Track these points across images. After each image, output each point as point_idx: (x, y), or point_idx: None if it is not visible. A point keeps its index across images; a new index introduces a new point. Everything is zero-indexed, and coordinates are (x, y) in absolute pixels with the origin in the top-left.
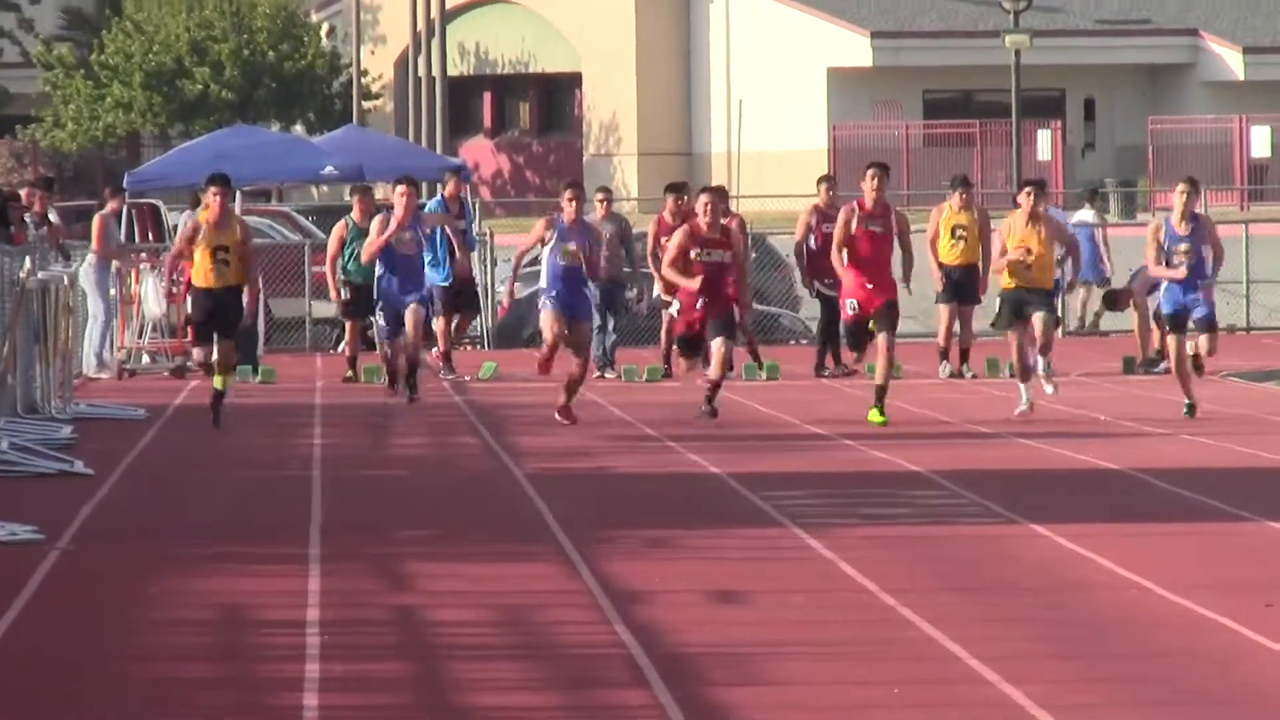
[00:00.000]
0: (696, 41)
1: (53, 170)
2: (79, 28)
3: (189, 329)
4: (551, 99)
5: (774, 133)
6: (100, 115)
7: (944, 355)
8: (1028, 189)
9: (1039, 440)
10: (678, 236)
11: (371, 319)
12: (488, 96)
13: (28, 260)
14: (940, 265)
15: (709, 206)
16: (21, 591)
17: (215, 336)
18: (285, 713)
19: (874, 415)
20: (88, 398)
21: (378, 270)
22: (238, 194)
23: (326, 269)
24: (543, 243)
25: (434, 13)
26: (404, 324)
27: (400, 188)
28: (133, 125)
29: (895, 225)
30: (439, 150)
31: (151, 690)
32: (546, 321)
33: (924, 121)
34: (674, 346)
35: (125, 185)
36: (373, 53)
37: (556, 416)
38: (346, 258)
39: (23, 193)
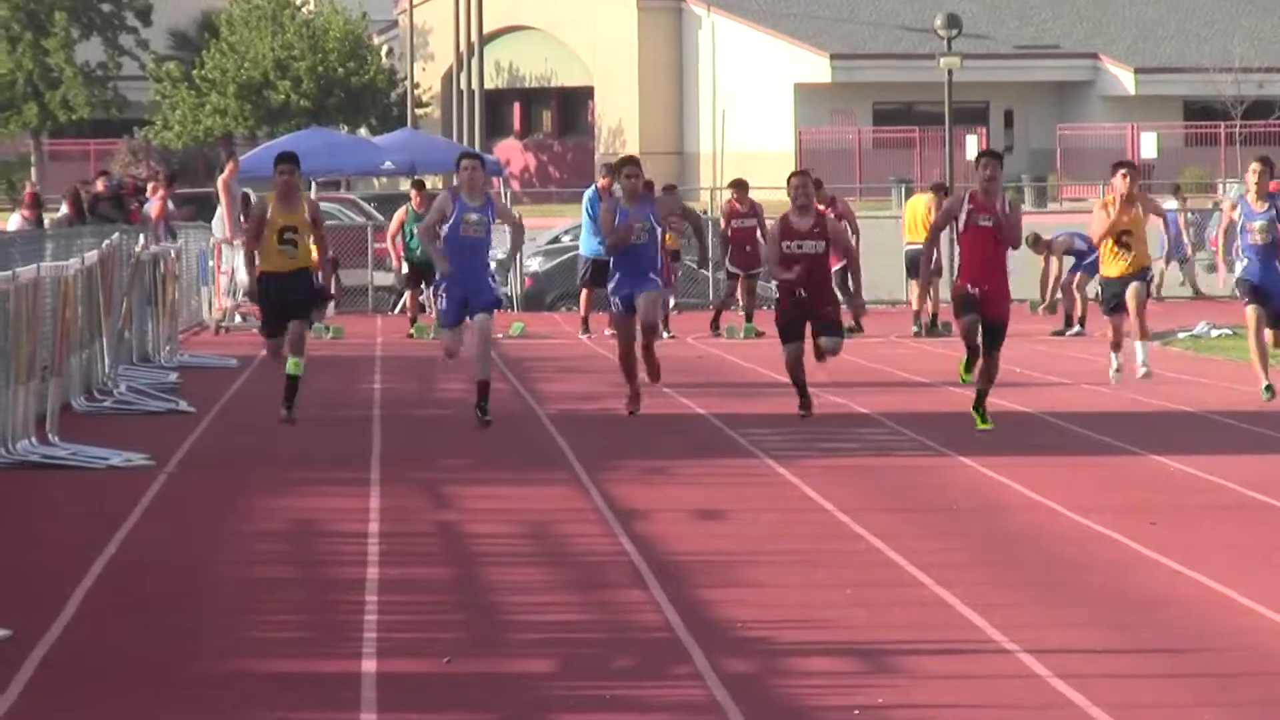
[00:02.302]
0: (688, 61)
1: (162, 165)
2: (184, 47)
3: (259, 316)
4: (569, 108)
5: (750, 136)
6: (201, 120)
7: (916, 318)
8: (1123, 170)
9: (966, 388)
10: (773, 231)
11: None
12: (517, 105)
13: (141, 237)
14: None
15: (799, 189)
16: (135, 508)
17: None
18: (350, 607)
19: (978, 420)
20: (190, 349)
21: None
22: (312, 184)
23: (388, 244)
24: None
25: (474, 37)
26: (465, 315)
27: (465, 161)
28: (227, 128)
29: (1006, 221)
30: (478, 149)
31: (241, 588)
32: (617, 328)
33: (873, 128)
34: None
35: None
36: (424, 69)
37: (624, 406)
38: (408, 236)
39: (157, 189)
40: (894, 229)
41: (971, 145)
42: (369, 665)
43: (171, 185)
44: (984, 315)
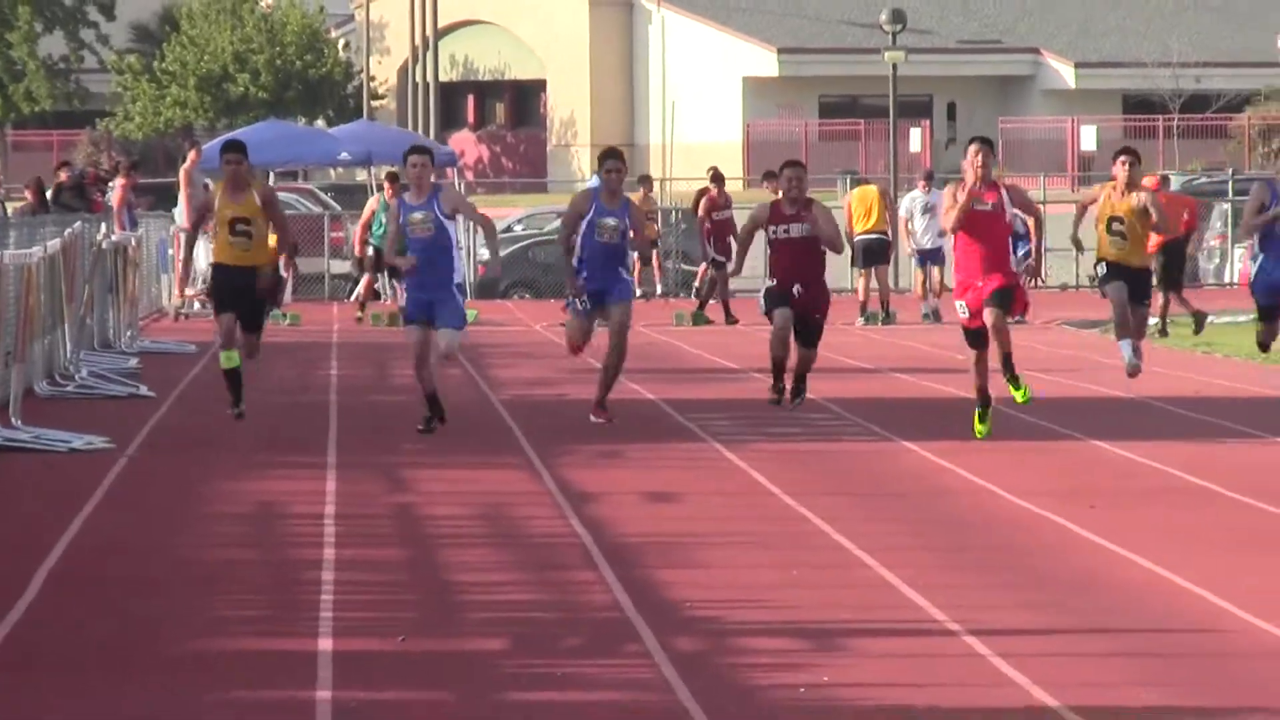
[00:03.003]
0: (638, 55)
1: (122, 155)
2: (144, 41)
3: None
4: (522, 100)
5: (700, 128)
6: (161, 111)
7: (863, 308)
8: (1123, 157)
9: (909, 375)
10: (757, 213)
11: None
12: (471, 98)
13: (103, 225)
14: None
15: (793, 182)
16: (97, 490)
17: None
18: (308, 587)
19: (1019, 394)
20: (150, 336)
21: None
22: (270, 174)
23: (356, 236)
24: (580, 218)
25: (429, 31)
26: (429, 315)
27: (413, 158)
28: (187, 119)
29: (1006, 201)
30: (432, 139)
31: (201, 569)
32: (570, 329)
33: (820, 121)
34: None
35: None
36: (380, 62)
37: (591, 417)
38: (375, 226)
39: (120, 179)
40: (840, 219)
41: (915, 138)
42: (325, 644)
43: (133, 175)
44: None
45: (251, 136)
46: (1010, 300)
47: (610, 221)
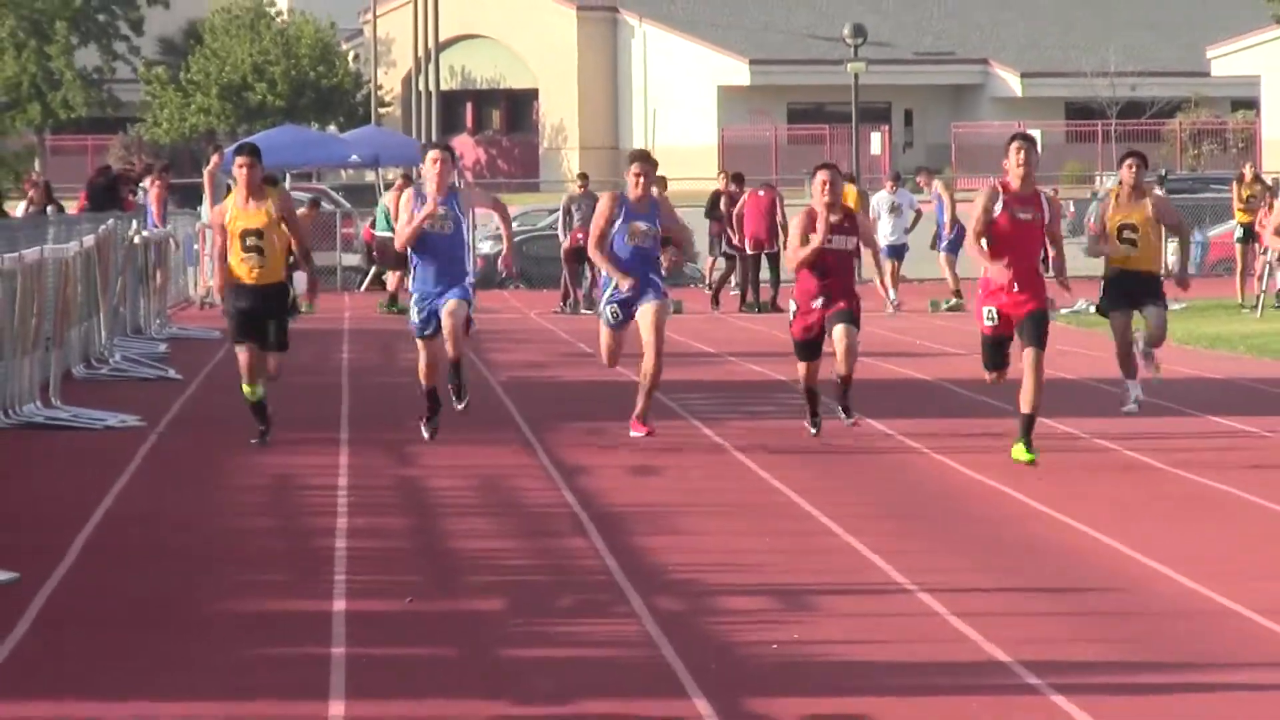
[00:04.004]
0: (622, 65)
1: (152, 158)
2: (171, 53)
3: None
4: (516, 108)
5: (678, 133)
6: (187, 118)
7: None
8: (1129, 161)
9: (871, 358)
10: (798, 220)
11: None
12: (469, 105)
13: (134, 222)
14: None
15: (827, 185)
16: (129, 464)
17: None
18: (322, 552)
19: (1019, 452)
20: (178, 323)
21: (413, 261)
22: (286, 176)
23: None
24: (610, 223)
25: (431, 44)
26: (439, 323)
27: (433, 153)
28: (210, 125)
29: (1047, 214)
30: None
31: (225, 536)
32: (605, 342)
33: (788, 126)
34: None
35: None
36: (386, 73)
37: (631, 431)
38: (383, 223)
39: (153, 180)
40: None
41: (876, 141)
42: (339, 605)
43: (165, 176)
44: (1020, 314)
45: (268, 141)
46: (1045, 333)
47: (641, 225)
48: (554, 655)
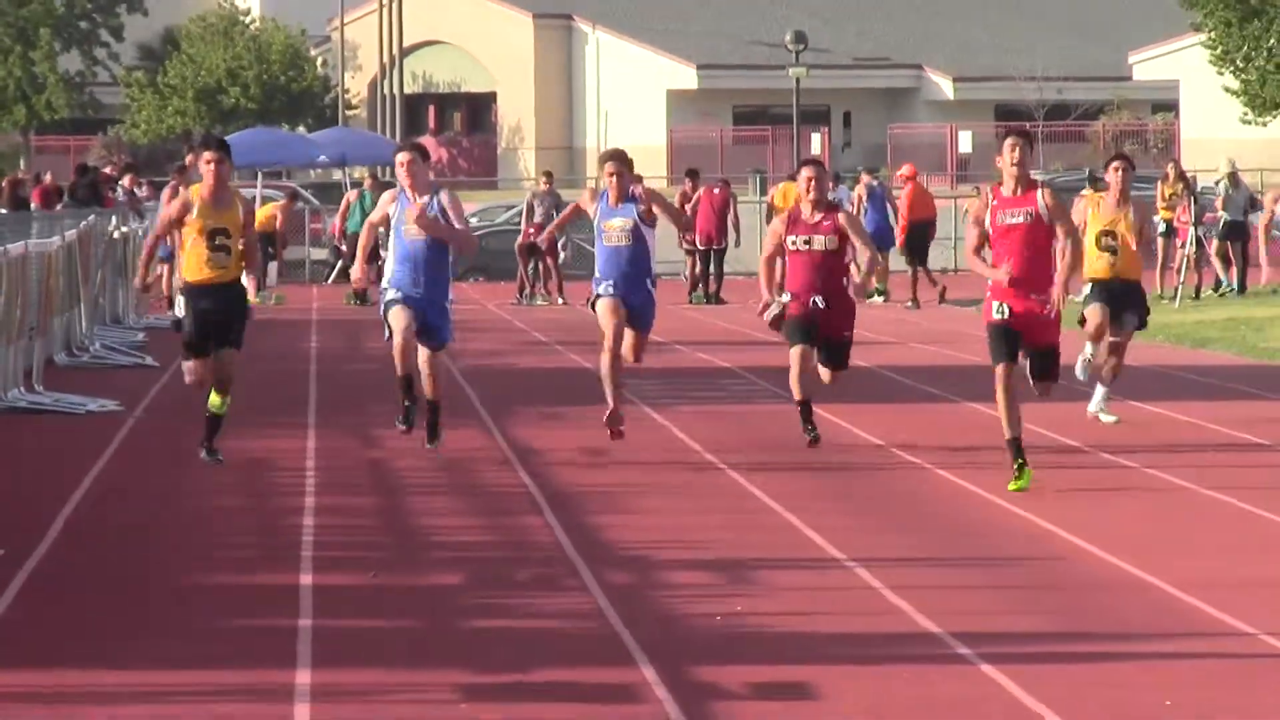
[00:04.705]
0: (576, 70)
1: (130, 157)
2: (149, 58)
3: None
4: (476, 110)
5: (629, 133)
6: (164, 120)
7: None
8: (1116, 164)
9: None
10: (777, 223)
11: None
12: (432, 108)
13: (113, 218)
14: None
15: (812, 182)
16: (109, 447)
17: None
18: (291, 530)
19: (1017, 483)
20: (155, 313)
21: (389, 266)
22: (258, 174)
23: (336, 222)
24: (578, 213)
25: (395, 50)
26: (413, 307)
27: (400, 155)
28: (186, 126)
29: (1047, 213)
30: (397, 142)
31: (199, 515)
32: (603, 313)
33: (733, 127)
34: (788, 335)
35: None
36: (353, 77)
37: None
38: (356, 219)
39: (127, 178)
40: (752, 210)
41: (816, 142)
42: (306, 579)
43: (134, 173)
44: (1030, 344)
45: (241, 141)
46: (1056, 368)
47: (616, 221)
48: (510, 626)
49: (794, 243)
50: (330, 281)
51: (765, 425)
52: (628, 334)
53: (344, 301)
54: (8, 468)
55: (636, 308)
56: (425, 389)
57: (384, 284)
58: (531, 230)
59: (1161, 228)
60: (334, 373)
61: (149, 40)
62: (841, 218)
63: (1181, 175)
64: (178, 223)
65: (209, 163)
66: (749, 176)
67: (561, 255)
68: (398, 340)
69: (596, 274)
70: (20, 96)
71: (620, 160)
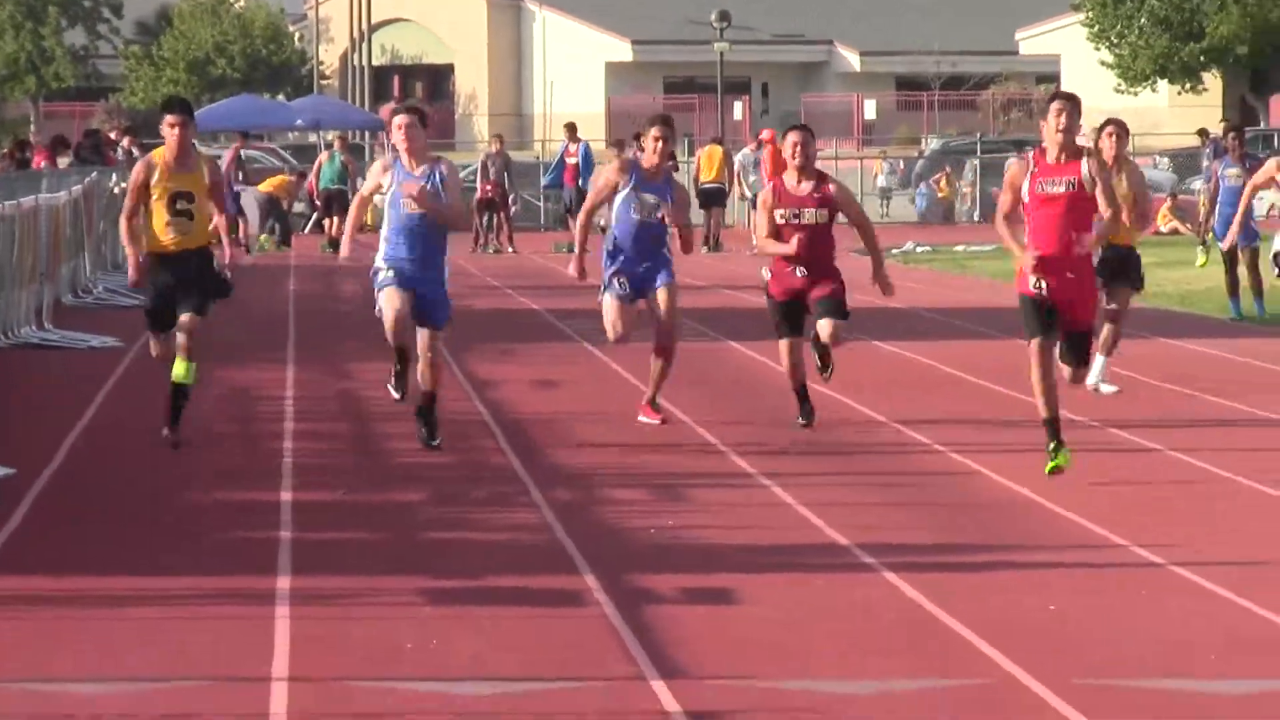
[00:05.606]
0: (524, 44)
1: (129, 121)
2: (145, 34)
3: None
4: (436, 80)
5: (572, 101)
6: (159, 88)
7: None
8: (1109, 129)
9: (734, 290)
10: (764, 199)
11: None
12: (396, 78)
13: (114, 175)
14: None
15: (798, 147)
16: (110, 378)
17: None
18: (273, 454)
19: (1054, 462)
20: None
21: (384, 235)
22: (244, 136)
23: (311, 180)
24: (615, 191)
25: (364, 26)
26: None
27: (398, 119)
28: (179, 95)
29: (1090, 180)
30: (366, 109)
31: (192, 440)
32: (607, 315)
33: (664, 96)
34: (776, 325)
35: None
36: (326, 50)
37: (640, 417)
38: (326, 177)
39: (126, 139)
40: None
41: (738, 109)
42: (286, 495)
43: (133, 135)
44: (1066, 322)
45: (228, 108)
46: (1089, 352)
47: (650, 198)
48: (467, 538)
49: (782, 215)
50: (306, 231)
51: (692, 359)
52: (663, 298)
53: (320, 249)
54: (20, 397)
55: (659, 277)
56: (423, 377)
57: (378, 260)
58: (490, 188)
59: None
60: (310, 313)
61: (145, 17)
62: (833, 189)
63: None
64: (144, 189)
65: (171, 126)
66: (679, 140)
67: (512, 209)
68: (389, 322)
69: (610, 247)
70: (31, 68)
71: (669, 125)
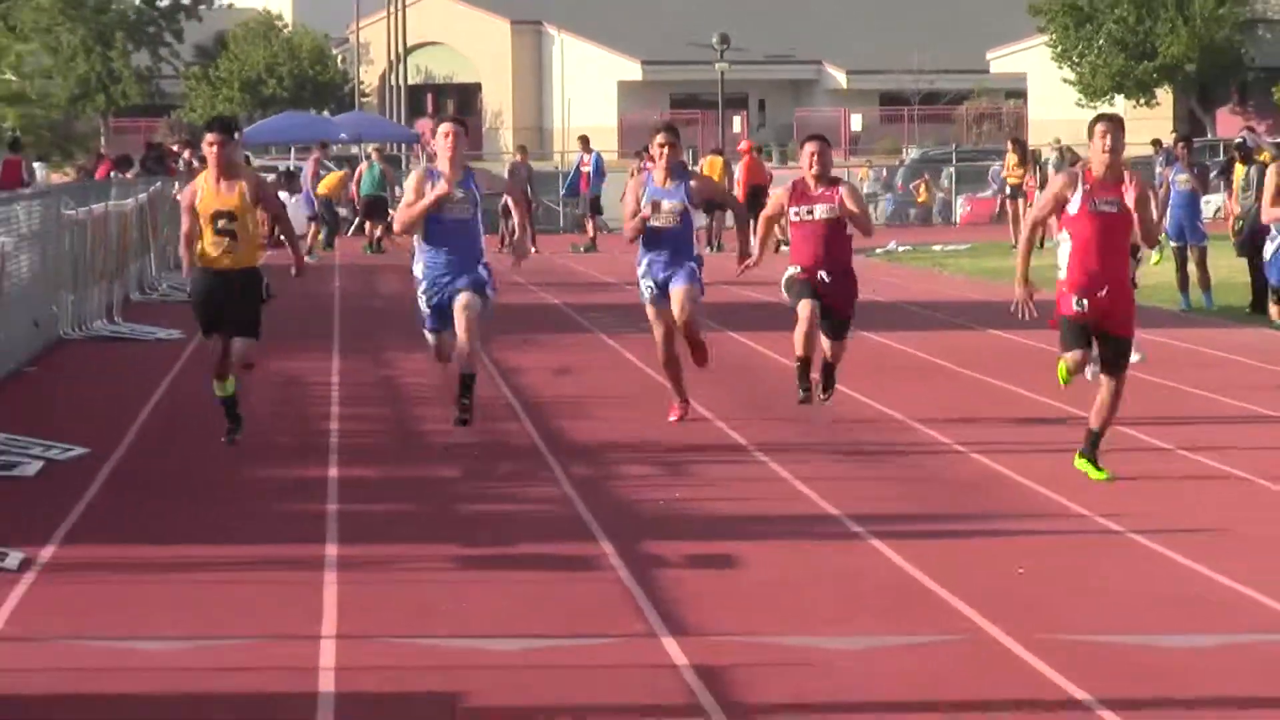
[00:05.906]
0: (545, 65)
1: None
2: (204, 56)
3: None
4: (465, 97)
5: (587, 116)
6: (216, 105)
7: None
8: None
9: (735, 286)
10: (781, 192)
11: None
12: (430, 96)
13: (176, 184)
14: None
15: (815, 156)
16: (174, 366)
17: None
18: (320, 435)
19: (1083, 465)
20: None
21: (421, 246)
22: (291, 149)
23: (353, 189)
24: (636, 202)
25: (400, 49)
26: (451, 316)
27: (444, 126)
28: (234, 111)
29: (1136, 205)
30: (402, 123)
31: (249, 421)
32: (655, 327)
33: (670, 111)
34: (796, 292)
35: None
36: (366, 71)
37: (670, 418)
38: (366, 185)
39: (186, 151)
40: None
41: (736, 123)
42: (333, 472)
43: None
44: (1103, 334)
45: (278, 123)
46: (1127, 360)
47: (665, 204)
48: (495, 509)
49: (796, 213)
50: (350, 234)
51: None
52: (674, 300)
53: (362, 250)
54: (93, 384)
55: (678, 276)
56: (460, 335)
57: (418, 271)
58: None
59: (1009, 190)
60: (354, 309)
61: (204, 41)
62: (843, 189)
63: (1023, 148)
64: (192, 210)
65: (210, 144)
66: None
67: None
68: (434, 344)
69: (640, 254)
70: (100, 87)
71: (674, 132)
